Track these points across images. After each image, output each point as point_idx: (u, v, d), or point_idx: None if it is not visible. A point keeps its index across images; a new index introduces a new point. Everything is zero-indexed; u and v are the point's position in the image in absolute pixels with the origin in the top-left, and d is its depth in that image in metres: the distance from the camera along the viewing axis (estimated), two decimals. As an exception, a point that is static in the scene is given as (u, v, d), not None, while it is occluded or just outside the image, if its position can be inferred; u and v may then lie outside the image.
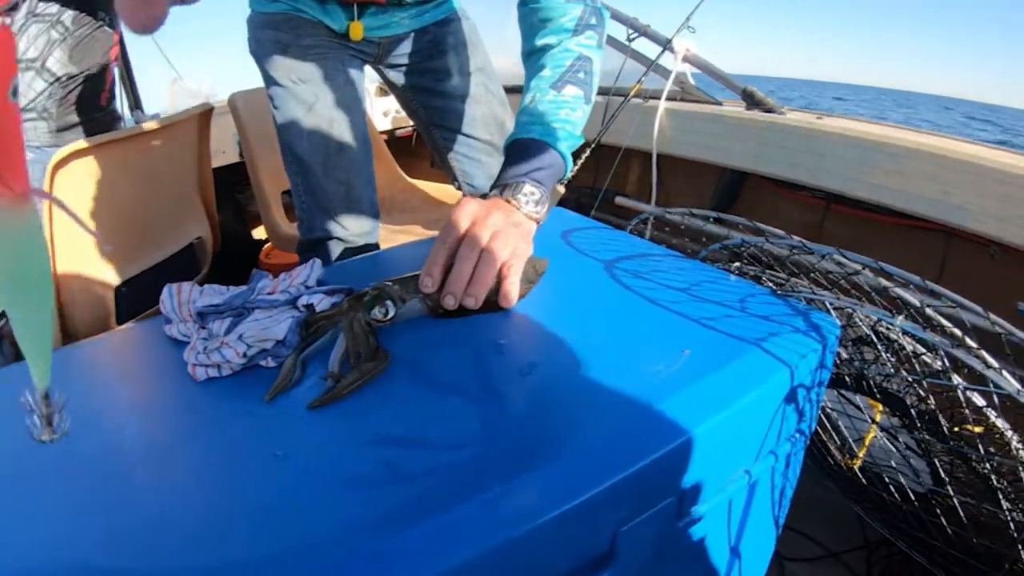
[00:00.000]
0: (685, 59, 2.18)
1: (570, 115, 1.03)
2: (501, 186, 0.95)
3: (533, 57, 1.11)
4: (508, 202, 0.92)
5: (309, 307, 0.80)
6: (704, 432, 0.62)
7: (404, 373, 0.71)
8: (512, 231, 0.87)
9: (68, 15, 1.72)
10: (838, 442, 1.28)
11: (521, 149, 1.00)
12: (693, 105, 2.20)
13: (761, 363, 0.71)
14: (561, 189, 2.12)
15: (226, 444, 0.62)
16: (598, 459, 0.58)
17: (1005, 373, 0.83)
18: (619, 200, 2.44)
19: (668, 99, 2.21)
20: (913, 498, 1.10)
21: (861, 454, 1.23)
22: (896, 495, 1.13)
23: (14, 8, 1.64)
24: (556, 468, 0.57)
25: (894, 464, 1.16)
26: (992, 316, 0.80)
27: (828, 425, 1.28)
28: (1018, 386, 0.81)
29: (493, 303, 0.82)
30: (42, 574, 0.48)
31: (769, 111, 1.98)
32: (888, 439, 1.17)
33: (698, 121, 2.13)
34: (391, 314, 0.78)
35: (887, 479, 1.16)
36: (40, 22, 1.68)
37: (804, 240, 0.89)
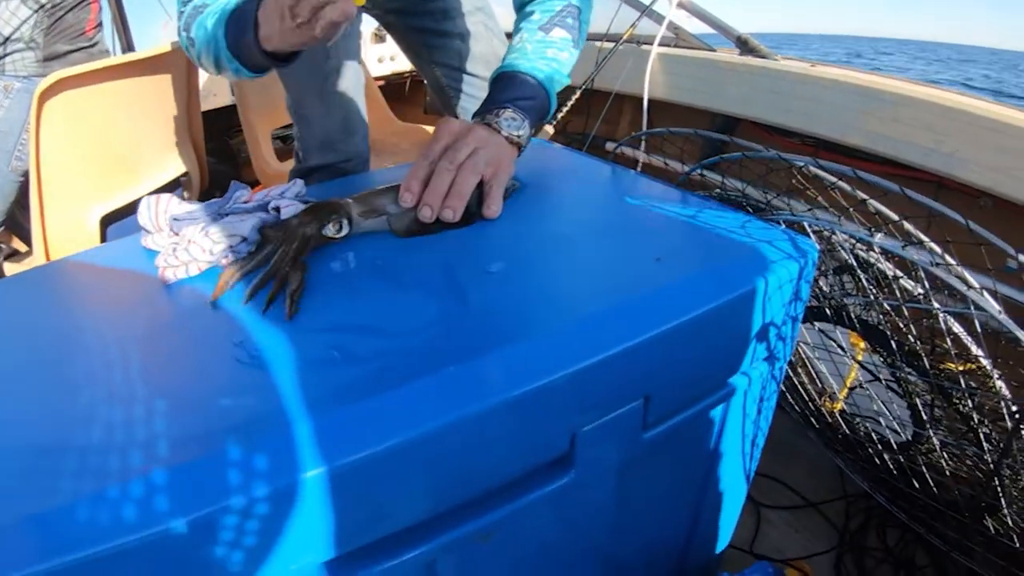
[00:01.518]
0: (680, 5, 2.16)
1: (557, 55, 1.04)
2: (482, 112, 0.96)
3: (524, 8, 1.12)
4: (489, 125, 0.93)
5: (277, 210, 0.78)
6: (669, 335, 0.62)
7: (367, 269, 0.72)
8: (494, 149, 0.89)
9: None
10: (819, 385, 1.27)
11: (505, 81, 1.01)
12: (686, 51, 2.18)
13: (734, 275, 0.70)
14: (550, 130, 2.12)
15: (186, 338, 0.63)
16: (559, 347, 0.58)
17: (986, 295, 0.81)
18: (609, 146, 2.44)
19: (661, 44, 2.19)
20: (894, 446, 1.10)
21: (842, 396, 1.23)
22: (877, 444, 1.12)
23: None
24: (514, 352, 0.57)
25: (875, 409, 1.16)
26: (972, 224, 0.79)
27: (810, 368, 1.28)
28: (998, 307, 0.80)
29: (469, 217, 0.81)
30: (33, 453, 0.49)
31: (762, 57, 1.96)
32: (869, 380, 1.16)
33: (690, 66, 2.11)
34: (344, 231, 0.77)
35: (868, 428, 1.17)
36: None
37: (780, 152, 0.87)
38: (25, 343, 0.66)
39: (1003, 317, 0.79)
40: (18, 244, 2.13)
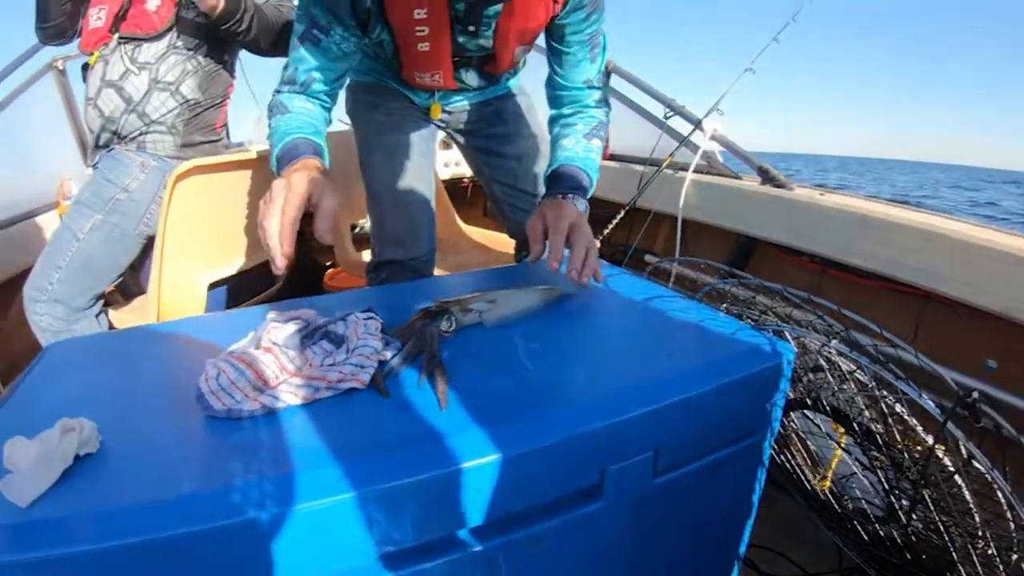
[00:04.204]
0: (712, 137, 2.38)
1: (595, 158, 1.45)
2: (561, 192, 1.35)
3: (567, 117, 1.49)
4: (573, 205, 1.31)
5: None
6: (674, 406, 0.83)
7: (463, 356, 0.94)
8: (593, 240, 1.24)
9: (202, 51, 2.00)
10: (811, 463, 1.43)
11: (569, 173, 1.40)
12: (716, 178, 2.40)
13: (726, 367, 0.91)
14: (597, 243, 2.37)
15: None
16: (597, 408, 0.80)
17: (911, 384, 1.03)
18: (647, 258, 2.65)
19: (695, 171, 2.41)
20: (872, 518, 1.25)
21: (829, 474, 1.38)
22: (860, 517, 1.28)
23: (158, 38, 1.93)
24: (565, 409, 0.79)
25: (857, 488, 1.32)
26: (886, 333, 1.04)
27: (803, 452, 1.45)
28: (918, 391, 1.02)
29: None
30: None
31: (780, 186, 2.18)
32: (848, 456, 1.33)
33: (719, 192, 2.33)
34: (454, 327, 1.01)
35: (852, 503, 1.33)
36: (178, 54, 1.96)
37: (763, 281, 1.13)
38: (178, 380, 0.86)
39: (924, 400, 1.01)
40: (116, 296, 2.33)
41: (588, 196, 1.40)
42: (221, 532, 0.60)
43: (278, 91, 1.36)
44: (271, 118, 1.33)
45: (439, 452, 0.70)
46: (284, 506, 0.62)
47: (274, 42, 2.01)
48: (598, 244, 2.32)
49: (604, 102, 1.51)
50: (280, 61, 1.77)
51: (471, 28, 1.38)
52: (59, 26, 2.03)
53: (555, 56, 1.48)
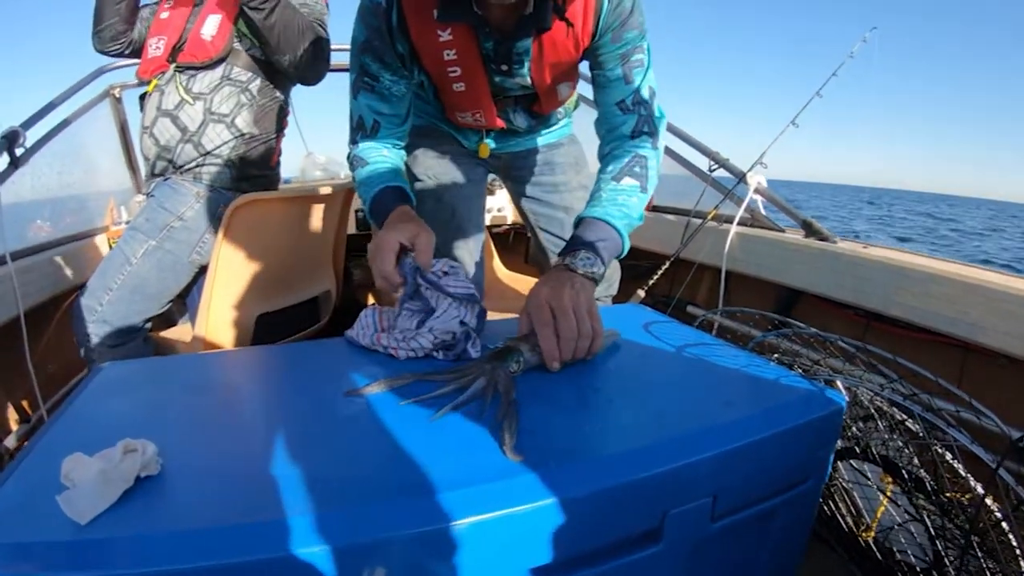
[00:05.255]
0: (756, 191, 2.41)
1: (627, 200, 1.32)
2: (564, 253, 1.23)
3: (604, 157, 1.44)
4: (568, 268, 1.18)
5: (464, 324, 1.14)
6: (731, 453, 0.84)
7: (531, 394, 0.97)
8: (583, 302, 1.10)
9: (255, 84, 2.07)
10: (855, 514, 1.43)
11: (585, 225, 1.29)
12: (760, 231, 2.42)
13: (780, 416, 0.92)
14: (641, 293, 2.43)
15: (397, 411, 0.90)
16: (659, 453, 0.81)
17: (963, 431, 1.06)
18: (690, 309, 2.69)
19: (739, 224, 2.44)
20: (918, 570, 1.25)
21: (874, 524, 1.38)
22: (906, 568, 1.28)
23: (212, 66, 2.00)
24: (631, 453, 0.80)
25: (903, 539, 1.31)
26: (941, 381, 1.07)
27: (847, 501, 1.45)
28: (970, 437, 1.04)
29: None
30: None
31: (824, 239, 2.20)
32: (893, 506, 1.33)
33: (763, 245, 2.35)
34: (522, 367, 1.03)
35: (897, 553, 1.32)
36: (232, 85, 2.03)
37: (819, 331, 1.17)
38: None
39: (975, 446, 1.03)
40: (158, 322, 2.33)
41: (615, 244, 1.29)
42: (276, 563, 0.61)
43: (353, 142, 1.45)
44: (353, 170, 1.44)
45: (507, 492, 0.71)
46: (341, 540, 0.63)
47: (294, 50, 1.99)
48: (642, 294, 2.38)
49: (645, 133, 1.41)
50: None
51: (504, 67, 1.42)
52: (112, 27, 2.10)
53: (594, 83, 1.46)
